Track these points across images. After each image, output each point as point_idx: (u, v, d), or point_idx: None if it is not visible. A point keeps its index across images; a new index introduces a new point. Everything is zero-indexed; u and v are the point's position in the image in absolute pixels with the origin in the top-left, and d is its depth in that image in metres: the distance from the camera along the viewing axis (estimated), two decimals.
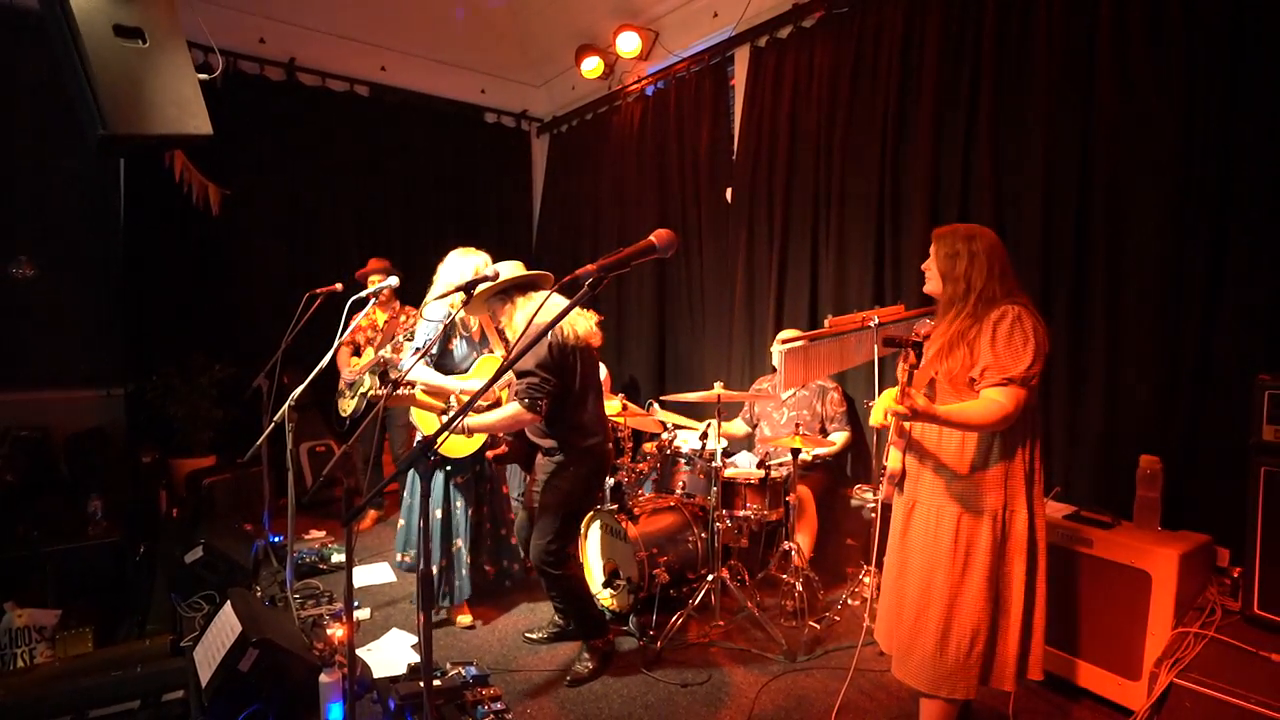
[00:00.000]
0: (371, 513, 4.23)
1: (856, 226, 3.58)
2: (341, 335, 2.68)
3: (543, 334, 1.45)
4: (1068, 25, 2.74)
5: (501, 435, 2.55)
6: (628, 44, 4.69)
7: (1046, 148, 2.81)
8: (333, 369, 2.94)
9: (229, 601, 2.27)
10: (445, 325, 2.61)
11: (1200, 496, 2.39)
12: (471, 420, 2.30)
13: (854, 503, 3.26)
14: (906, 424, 1.76)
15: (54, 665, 2.37)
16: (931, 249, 1.80)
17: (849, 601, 2.95)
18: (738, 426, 3.67)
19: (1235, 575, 2.16)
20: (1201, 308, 2.41)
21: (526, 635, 2.76)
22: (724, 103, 4.48)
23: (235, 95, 4.43)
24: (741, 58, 4.29)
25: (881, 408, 1.75)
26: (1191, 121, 2.42)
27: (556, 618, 2.74)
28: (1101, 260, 2.66)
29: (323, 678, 2.08)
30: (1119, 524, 2.32)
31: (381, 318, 4.00)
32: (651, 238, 1.15)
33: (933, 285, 1.81)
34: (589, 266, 1.15)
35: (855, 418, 3.50)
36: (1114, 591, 2.19)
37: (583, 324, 2.33)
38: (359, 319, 3.81)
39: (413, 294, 3.92)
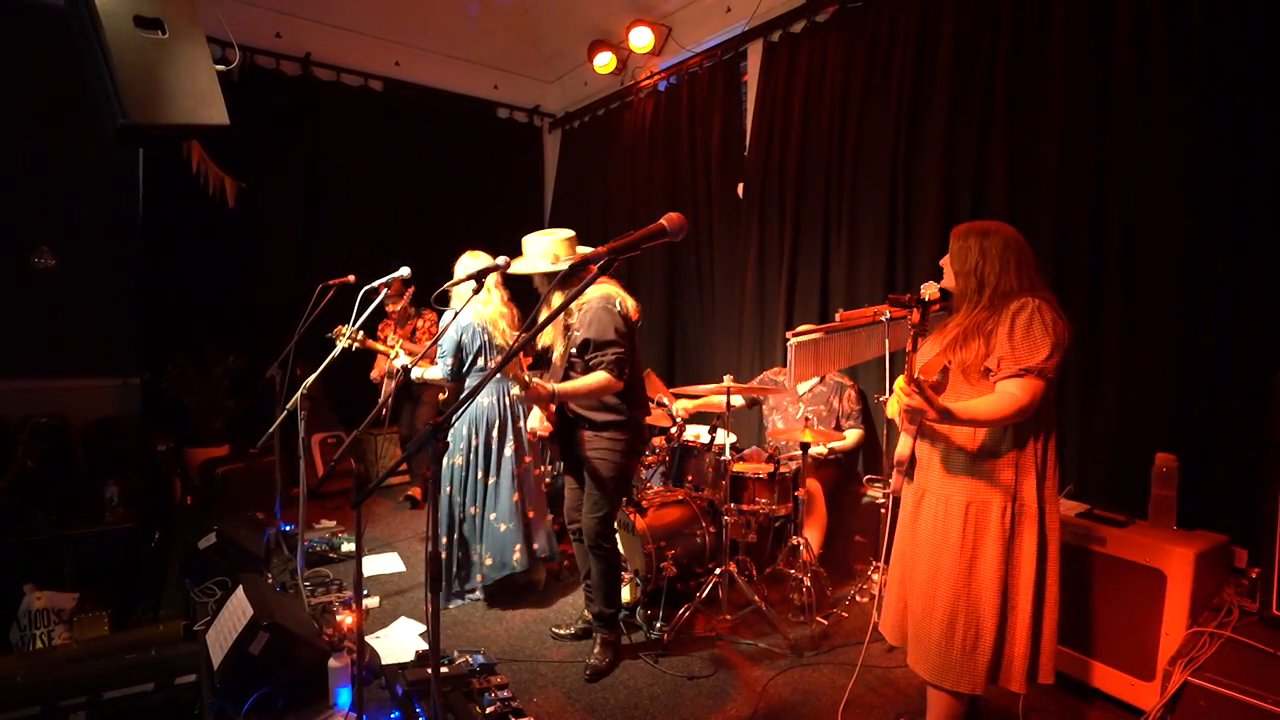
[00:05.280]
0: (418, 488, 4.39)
1: (868, 221, 3.56)
2: (353, 325, 2.71)
3: (556, 312, 1.45)
4: (1085, 17, 2.70)
5: (553, 411, 2.51)
6: (640, 39, 4.68)
7: (1062, 142, 2.77)
8: (346, 361, 2.96)
9: (241, 586, 2.30)
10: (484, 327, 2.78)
11: (1218, 496, 2.35)
12: (561, 387, 2.28)
13: (865, 499, 3.24)
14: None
15: (71, 647, 2.41)
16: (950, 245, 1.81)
17: (857, 598, 2.93)
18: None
19: (1253, 576, 2.12)
20: (1220, 303, 2.37)
21: (555, 631, 2.74)
22: (736, 98, 4.46)
23: (251, 89, 4.47)
24: (754, 52, 4.28)
25: (896, 402, 1.74)
26: (1211, 115, 2.38)
27: (586, 613, 2.69)
28: (1117, 255, 2.63)
29: (332, 662, 2.11)
30: (1133, 523, 2.29)
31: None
32: (662, 221, 1.15)
33: (947, 280, 1.81)
34: (599, 249, 1.15)
35: (869, 416, 3.48)
36: (1128, 591, 2.16)
37: (631, 300, 2.41)
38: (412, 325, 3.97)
39: (425, 289, 3.95)
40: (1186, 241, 2.44)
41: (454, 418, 1.31)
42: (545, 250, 2.35)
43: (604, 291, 2.35)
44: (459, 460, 2.94)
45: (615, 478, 2.41)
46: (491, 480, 2.95)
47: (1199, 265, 2.42)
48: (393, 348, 3.02)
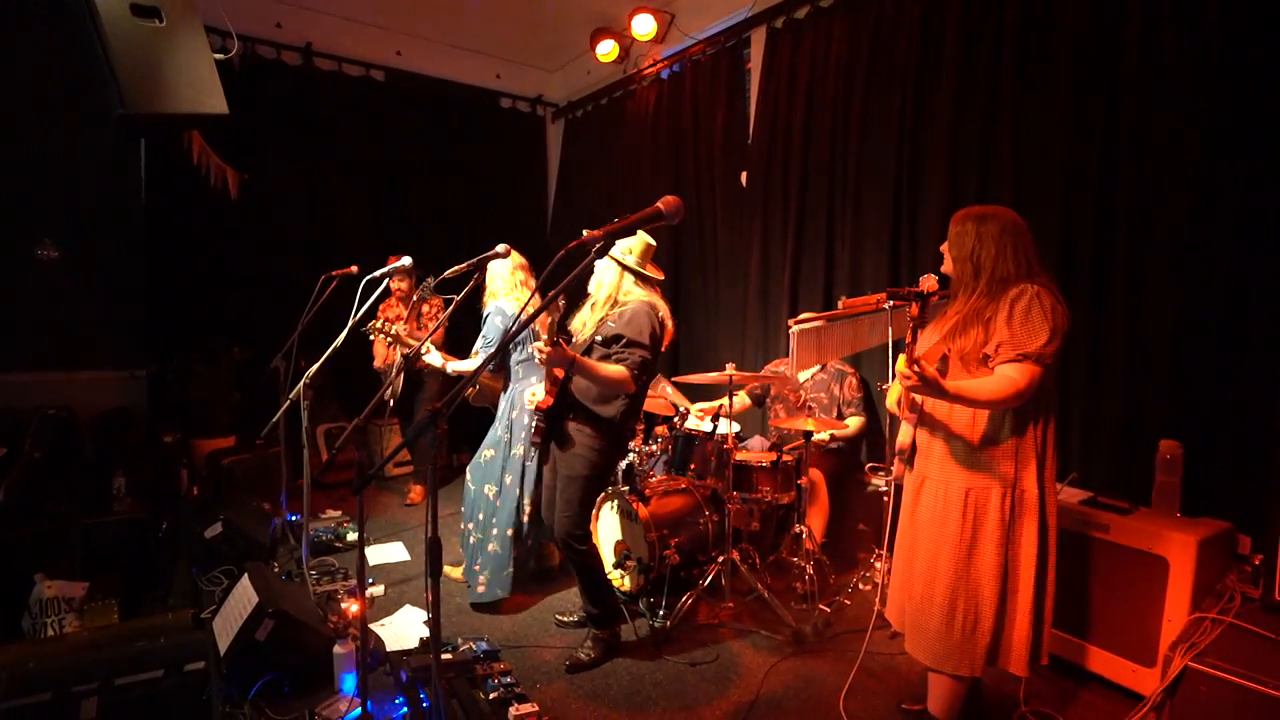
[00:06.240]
0: (418, 487, 4.37)
1: (873, 209, 3.53)
2: (356, 315, 2.71)
3: (555, 293, 1.44)
4: (1093, 3, 2.66)
5: (549, 390, 2.46)
6: (643, 27, 4.65)
7: (1069, 126, 2.74)
8: (349, 351, 2.97)
9: (247, 574, 2.32)
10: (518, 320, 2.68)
11: (1222, 483, 2.34)
12: (583, 358, 2.25)
13: (867, 488, 3.24)
14: (916, 397, 1.75)
15: (82, 635, 2.44)
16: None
17: (860, 586, 2.94)
18: (740, 397, 3.66)
19: (1256, 562, 2.11)
20: (1226, 288, 2.35)
21: (558, 618, 2.76)
22: (740, 85, 4.42)
23: (252, 80, 4.47)
24: (758, 39, 4.24)
25: (896, 393, 1.74)
26: (1222, 94, 2.34)
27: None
28: (1123, 241, 2.60)
29: (337, 649, 2.13)
30: (1137, 510, 2.28)
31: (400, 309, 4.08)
32: (658, 204, 1.15)
33: (948, 266, 1.80)
34: (594, 232, 1.15)
35: (871, 403, 3.47)
36: (1130, 577, 2.16)
37: (671, 321, 2.42)
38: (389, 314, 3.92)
39: (424, 276, 3.95)
40: (1193, 226, 2.42)
41: (454, 404, 1.31)
42: (624, 242, 2.36)
43: (652, 300, 2.36)
44: (519, 450, 2.89)
45: (589, 476, 2.37)
46: (542, 466, 2.93)
47: (1205, 251, 2.39)
48: (423, 340, 3.03)
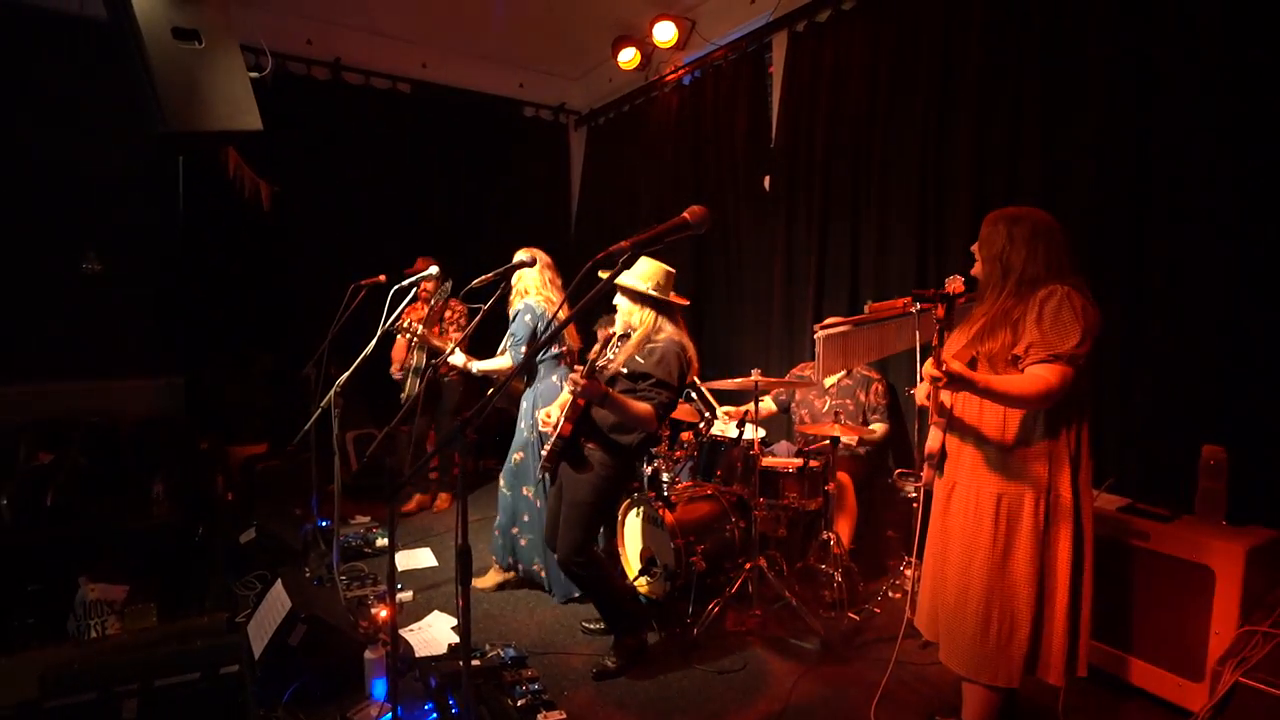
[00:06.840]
0: (416, 496, 4.37)
1: (898, 212, 3.49)
2: (385, 323, 2.75)
3: (574, 313, 1.45)
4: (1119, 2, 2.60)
5: (570, 417, 2.43)
6: (664, 34, 4.67)
7: (1099, 123, 2.67)
8: (378, 359, 3.02)
9: (280, 580, 2.37)
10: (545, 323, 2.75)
11: (1270, 489, 2.25)
12: (615, 393, 2.25)
13: (898, 493, 3.19)
14: (944, 397, 1.72)
15: (123, 637, 2.51)
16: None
17: (889, 594, 2.89)
18: (766, 403, 3.62)
19: None
20: (1267, 284, 2.26)
21: (585, 625, 2.76)
22: (761, 90, 4.42)
23: (284, 95, 4.58)
24: (779, 44, 4.23)
25: (925, 388, 1.71)
26: (1257, 83, 2.26)
27: None
28: (1160, 236, 2.53)
29: (368, 654, 2.16)
30: (1179, 517, 2.21)
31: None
32: (684, 214, 1.15)
33: (977, 267, 1.78)
34: (622, 243, 1.15)
35: (897, 409, 3.42)
36: (1173, 587, 2.09)
37: (695, 360, 2.45)
38: (409, 319, 3.94)
39: (454, 285, 3.99)
40: (1235, 218, 2.33)
41: (484, 413, 1.32)
42: (647, 272, 2.40)
43: (681, 339, 2.38)
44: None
45: (594, 503, 2.37)
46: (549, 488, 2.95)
47: (1245, 246, 2.31)
48: (448, 341, 3.06)
